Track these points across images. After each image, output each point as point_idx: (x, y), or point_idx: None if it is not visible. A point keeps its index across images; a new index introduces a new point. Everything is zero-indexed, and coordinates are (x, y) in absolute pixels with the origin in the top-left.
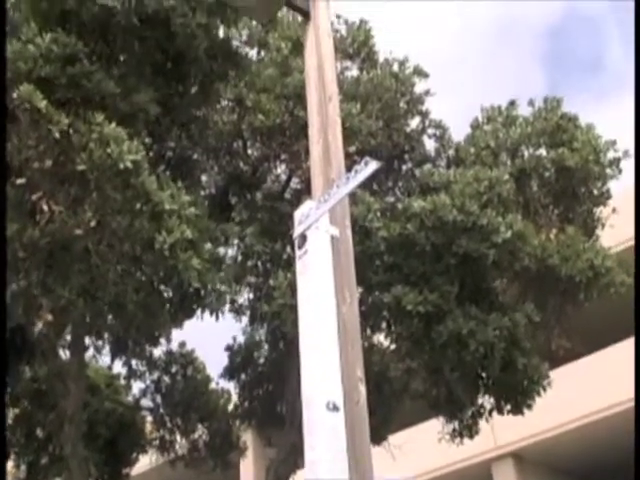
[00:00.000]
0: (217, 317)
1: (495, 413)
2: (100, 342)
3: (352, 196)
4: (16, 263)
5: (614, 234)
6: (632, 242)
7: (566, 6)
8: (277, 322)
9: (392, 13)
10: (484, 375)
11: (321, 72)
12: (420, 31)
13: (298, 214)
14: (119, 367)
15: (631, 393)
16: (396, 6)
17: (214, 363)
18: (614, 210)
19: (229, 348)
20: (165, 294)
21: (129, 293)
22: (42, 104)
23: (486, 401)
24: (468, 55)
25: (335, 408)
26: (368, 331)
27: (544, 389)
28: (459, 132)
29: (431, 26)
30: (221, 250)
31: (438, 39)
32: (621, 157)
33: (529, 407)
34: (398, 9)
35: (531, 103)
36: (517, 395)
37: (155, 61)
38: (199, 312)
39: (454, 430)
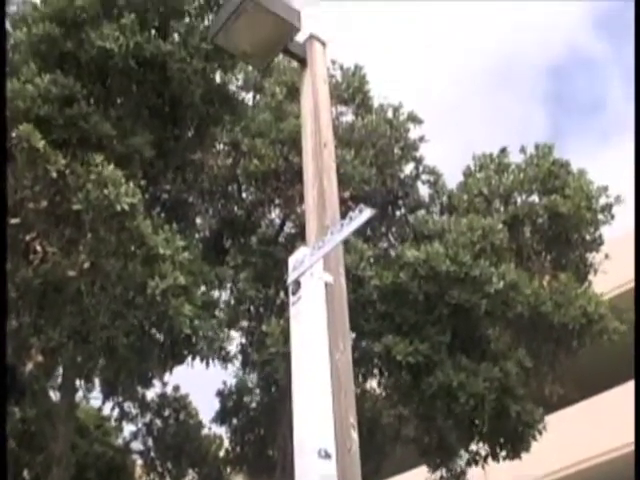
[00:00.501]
0: (207, 364)
1: (489, 459)
2: (91, 383)
3: (345, 243)
4: (8, 303)
5: (607, 280)
6: (625, 288)
7: (565, 48)
8: (269, 369)
9: (388, 56)
10: (477, 422)
11: (317, 118)
12: (417, 74)
13: (292, 260)
14: (110, 408)
15: (626, 439)
16: (392, 49)
17: (206, 407)
18: (607, 256)
19: (220, 393)
20: (156, 338)
21: (120, 336)
22: (40, 144)
23: (481, 448)
24: (467, 98)
25: (327, 455)
26: (360, 378)
27: (539, 432)
28: (456, 176)
29: (428, 69)
30: (214, 294)
31: (435, 83)
32: (613, 203)
33: (527, 449)
34: (394, 52)
35: (523, 150)
36: (512, 441)
37: (151, 104)
38: (190, 358)
39: (441, 478)
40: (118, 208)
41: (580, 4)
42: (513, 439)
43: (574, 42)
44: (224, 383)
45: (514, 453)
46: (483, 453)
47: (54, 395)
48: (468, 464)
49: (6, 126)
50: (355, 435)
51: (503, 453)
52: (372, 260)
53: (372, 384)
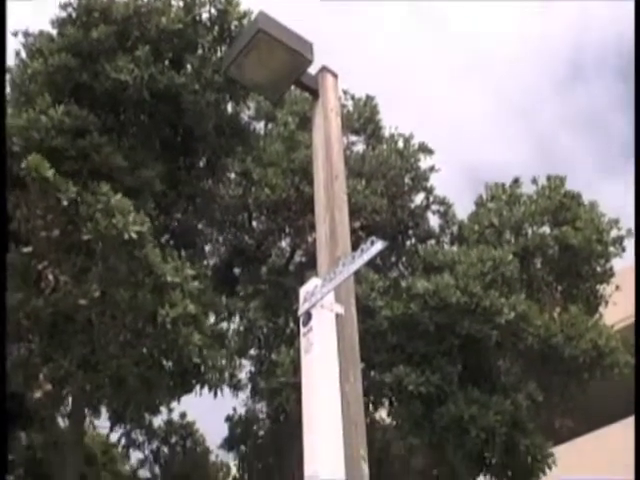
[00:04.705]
0: (216, 394)
1: None
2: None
3: (356, 273)
4: (18, 331)
5: (617, 311)
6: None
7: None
8: (279, 399)
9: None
10: (487, 455)
11: (329, 150)
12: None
13: (303, 291)
14: (118, 436)
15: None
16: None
17: (214, 432)
18: (617, 287)
19: (229, 418)
20: (165, 368)
21: (129, 366)
22: (49, 173)
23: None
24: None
25: None
26: (370, 407)
27: (549, 467)
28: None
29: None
30: (224, 324)
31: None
32: (624, 235)
33: None
34: (408, 82)
35: (534, 181)
36: (521, 475)
37: (164, 135)
38: (198, 387)
39: None
40: (126, 237)
41: None
42: (522, 473)
43: None
44: (234, 409)
45: None
46: None
47: (63, 422)
48: None
49: (6, 156)
50: (366, 467)
51: None
52: (382, 290)
53: (382, 414)
